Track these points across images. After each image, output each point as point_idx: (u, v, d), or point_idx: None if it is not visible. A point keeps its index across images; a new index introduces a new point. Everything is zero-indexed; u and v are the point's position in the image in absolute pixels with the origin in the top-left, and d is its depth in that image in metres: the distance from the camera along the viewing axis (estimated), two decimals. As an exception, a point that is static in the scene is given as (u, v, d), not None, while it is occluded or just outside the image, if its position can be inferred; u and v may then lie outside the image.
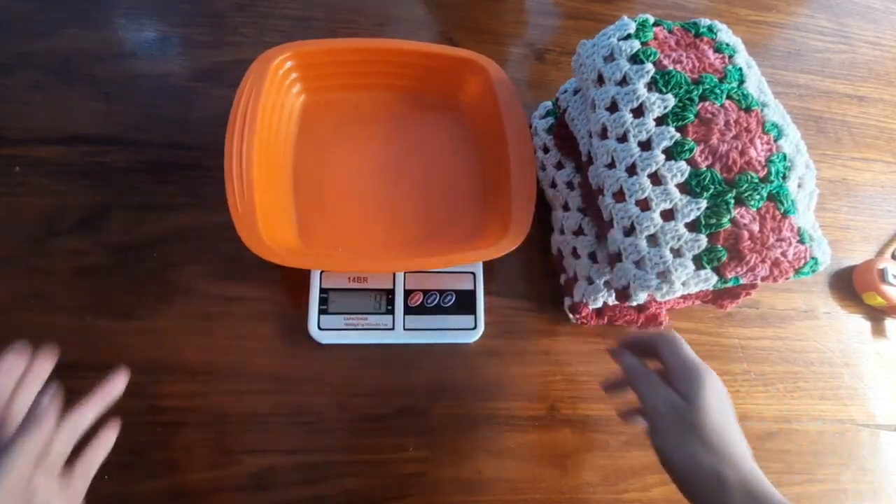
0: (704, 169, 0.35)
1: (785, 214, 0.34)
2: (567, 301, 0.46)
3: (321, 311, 0.43)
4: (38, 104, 0.47)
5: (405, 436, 0.42)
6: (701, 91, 0.37)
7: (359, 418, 0.42)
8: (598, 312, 0.46)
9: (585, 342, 0.48)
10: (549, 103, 0.51)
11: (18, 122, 0.46)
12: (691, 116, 0.36)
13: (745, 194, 0.34)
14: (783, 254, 0.34)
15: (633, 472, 0.44)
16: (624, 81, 0.38)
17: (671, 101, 0.36)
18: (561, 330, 0.48)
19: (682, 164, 0.35)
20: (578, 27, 0.63)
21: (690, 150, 0.35)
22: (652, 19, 0.41)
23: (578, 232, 0.45)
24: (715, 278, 0.34)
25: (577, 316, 0.46)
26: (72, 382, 0.39)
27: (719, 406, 0.32)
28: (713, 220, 0.34)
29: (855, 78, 0.68)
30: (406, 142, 0.50)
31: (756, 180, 0.34)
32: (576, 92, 0.46)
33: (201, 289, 0.43)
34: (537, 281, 0.49)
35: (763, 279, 0.35)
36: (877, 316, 0.55)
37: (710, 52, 0.39)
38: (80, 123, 0.47)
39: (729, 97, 0.37)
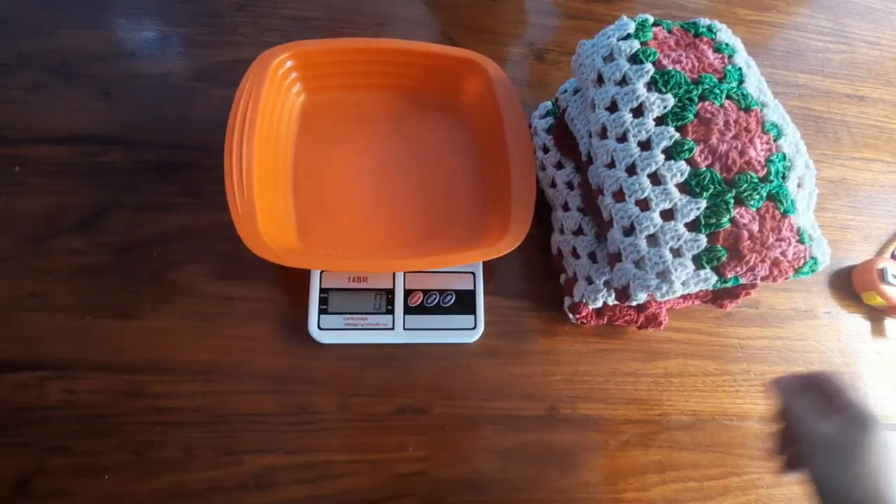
0: (704, 169, 0.35)
1: (784, 214, 0.34)
2: (567, 301, 0.47)
3: (321, 311, 0.43)
4: (38, 104, 0.47)
5: (405, 435, 0.42)
6: (700, 91, 0.37)
7: (359, 418, 0.42)
8: (598, 312, 0.46)
9: (585, 342, 0.48)
10: (548, 103, 0.51)
11: (18, 122, 0.46)
12: (691, 116, 0.36)
13: (745, 194, 0.34)
14: (783, 253, 0.34)
15: (632, 472, 0.44)
16: (623, 81, 0.38)
17: (671, 100, 0.36)
18: (561, 330, 0.48)
19: (682, 164, 0.35)
20: (578, 27, 0.63)
21: (690, 150, 0.35)
22: (651, 19, 0.41)
23: (578, 232, 0.45)
24: (715, 278, 0.34)
25: (577, 316, 0.46)
26: (72, 382, 0.40)
27: (884, 453, 0.30)
28: (713, 220, 0.34)
29: (854, 78, 0.68)
30: (406, 142, 0.50)
31: (756, 180, 0.34)
32: (575, 92, 0.46)
33: (201, 289, 0.43)
34: (537, 281, 0.49)
35: (763, 279, 0.35)
36: (876, 316, 0.55)
37: (710, 52, 0.39)
38: (80, 123, 0.47)
39: (728, 97, 0.37)
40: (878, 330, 0.54)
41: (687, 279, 0.34)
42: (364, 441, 0.42)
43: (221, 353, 0.42)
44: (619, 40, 0.40)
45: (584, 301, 0.44)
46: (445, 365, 0.45)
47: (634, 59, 0.38)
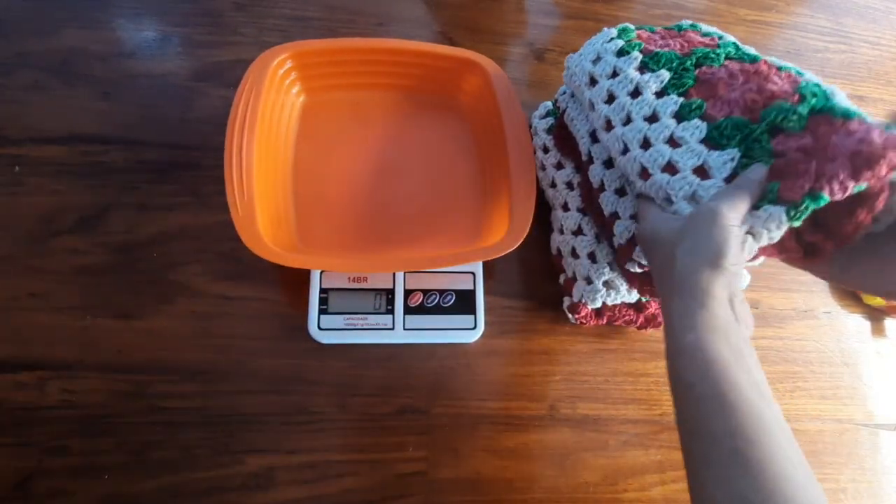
0: (722, 119, 0.32)
1: (847, 117, 0.28)
2: (566, 301, 0.47)
3: (321, 311, 0.43)
4: (38, 104, 0.47)
5: (405, 435, 0.42)
6: (695, 60, 0.36)
7: (359, 418, 0.42)
8: (597, 312, 0.46)
9: (585, 342, 0.48)
10: (549, 103, 0.51)
11: (18, 122, 0.46)
12: (690, 82, 0.35)
13: (779, 120, 0.30)
14: (861, 141, 0.26)
15: (632, 472, 0.44)
16: (615, 74, 0.38)
17: (665, 75, 0.36)
18: (561, 330, 0.48)
19: (697, 122, 0.33)
20: (578, 27, 0.63)
21: (700, 108, 0.33)
22: (633, 26, 0.41)
23: (578, 232, 0.45)
24: (782, 211, 0.28)
25: (577, 316, 0.46)
26: (72, 382, 0.40)
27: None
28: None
29: (854, 78, 0.68)
30: (406, 142, 0.50)
31: (787, 105, 0.30)
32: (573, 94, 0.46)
33: (201, 289, 0.43)
34: (537, 281, 0.49)
35: (846, 181, 0.27)
36: (876, 315, 0.55)
37: (698, 37, 0.39)
38: (80, 123, 0.47)
39: (728, 58, 0.35)
40: (878, 330, 0.54)
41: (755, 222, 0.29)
42: (364, 441, 0.42)
43: (221, 353, 0.42)
44: (603, 44, 0.40)
45: (584, 301, 0.44)
46: (445, 365, 0.45)
47: (621, 53, 0.39)
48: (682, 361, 0.28)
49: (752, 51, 0.36)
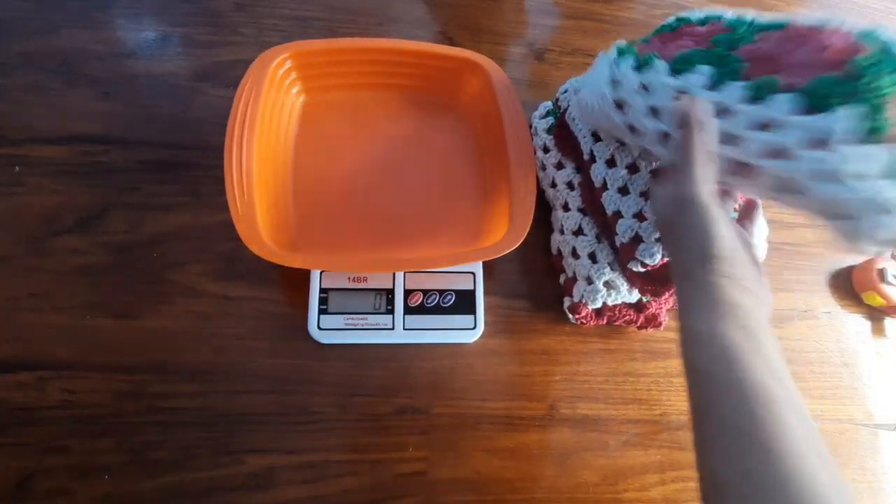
0: (805, 84, 0.27)
1: None
2: (566, 301, 0.47)
3: (321, 311, 0.43)
4: (38, 104, 0.47)
5: (405, 435, 0.42)
6: (724, 48, 0.32)
7: (359, 418, 0.42)
8: (598, 312, 0.46)
9: (585, 342, 0.48)
10: (549, 103, 0.51)
11: (18, 122, 0.46)
12: (741, 64, 0.30)
13: (883, 76, 0.26)
14: None
15: (632, 472, 0.44)
16: (644, 88, 0.34)
17: (706, 70, 0.31)
18: (561, 330, 0.48)
19: (777, 97, 0.28)
20: (578, 27, 0.63)
21: (771, 84, 0.28)
22: (625, 42, 0.38)
23: (578, 232, 0.45)
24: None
25: (577, 316, 0.46)
26: (72, 382, 0.40)
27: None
28: (878, 120, 0.25)
29: (854, 78, 0.68)
30: (406, 142, 0.50)
31: (869, 59, 0.27)
32: (576, 92, 0.46)
33: (201, 289, 0.43)
34: (537, 281, 0.49)
35: None
36: (876, 315, 0.55)
37: (698, 28, 0.36)
38: (80, 123, 0.47)
39: (757, 31, 0.31)
40: (878, 330, 0.54)
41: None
42: (364, 441, 0.42)
43: (221, 353, 0.42)
44: (611, 65, 0.36)
45: (584, 301, 0.44)
46: (445, 365, 0.45)
47: (639, 67, 0.35)
48: (694, 349, 0.28)
49: (769, 19, 0.32)
